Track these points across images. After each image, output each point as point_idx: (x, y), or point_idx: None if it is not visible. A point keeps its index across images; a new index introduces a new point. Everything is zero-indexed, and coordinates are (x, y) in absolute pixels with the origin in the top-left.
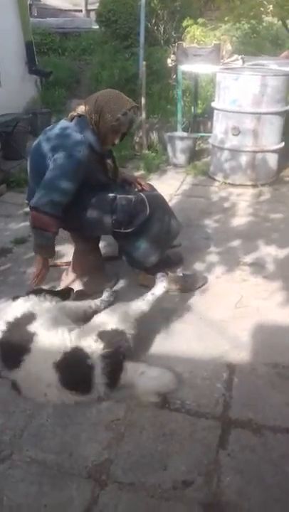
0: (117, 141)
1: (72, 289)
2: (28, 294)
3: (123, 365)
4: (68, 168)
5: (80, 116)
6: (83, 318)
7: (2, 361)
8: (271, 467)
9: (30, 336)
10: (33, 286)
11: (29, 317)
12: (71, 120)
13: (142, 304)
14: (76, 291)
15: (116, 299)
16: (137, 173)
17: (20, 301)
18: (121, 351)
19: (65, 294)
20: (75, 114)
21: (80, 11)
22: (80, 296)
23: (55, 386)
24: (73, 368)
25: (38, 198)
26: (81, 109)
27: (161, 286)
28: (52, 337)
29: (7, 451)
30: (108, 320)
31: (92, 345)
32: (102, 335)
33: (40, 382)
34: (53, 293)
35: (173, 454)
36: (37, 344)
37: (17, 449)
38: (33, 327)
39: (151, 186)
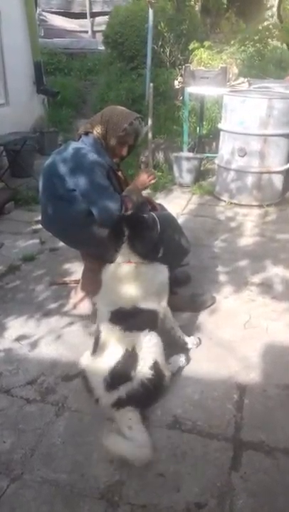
0: (125, 153)
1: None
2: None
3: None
4: (95, 178)
5: (86, 134)
6: None
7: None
8: (285, 490)
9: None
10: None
11: None
12: (78, 139)
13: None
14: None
15: None
16: (143, 193)
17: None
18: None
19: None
20: (81, 132)
21: (86, 32)
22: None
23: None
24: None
25: (105, 214)
26: (86, 127)
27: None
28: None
29: (18, 471)
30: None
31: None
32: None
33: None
34: None
35: (185, 476)
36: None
37: (28, 468)
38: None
39: (161, 206)
